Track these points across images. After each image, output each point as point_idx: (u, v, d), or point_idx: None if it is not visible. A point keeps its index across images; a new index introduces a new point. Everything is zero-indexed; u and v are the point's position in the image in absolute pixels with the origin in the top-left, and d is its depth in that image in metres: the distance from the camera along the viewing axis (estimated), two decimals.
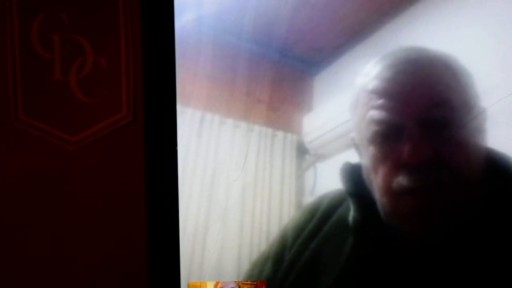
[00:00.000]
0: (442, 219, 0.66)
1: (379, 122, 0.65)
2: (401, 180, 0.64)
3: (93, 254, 0.70)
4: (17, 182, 0.70)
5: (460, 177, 0.65)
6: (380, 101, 0.66)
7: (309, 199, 0.71)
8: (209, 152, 0.72)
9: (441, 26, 0.67)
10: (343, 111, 0.70)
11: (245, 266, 0.72)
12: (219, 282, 0.72)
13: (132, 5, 0.69)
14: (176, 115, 0.72)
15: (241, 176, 0.71)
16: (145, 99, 0.71)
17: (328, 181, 0.70)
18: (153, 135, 0.72)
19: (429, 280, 0.67)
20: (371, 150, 0.67)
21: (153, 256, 0.71)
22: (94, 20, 0.69)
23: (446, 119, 0.64)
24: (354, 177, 0.69)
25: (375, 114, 0.66)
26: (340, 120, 0.70)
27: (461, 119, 0.65)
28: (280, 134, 0.72)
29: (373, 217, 0.67)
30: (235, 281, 0.72)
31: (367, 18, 0.69)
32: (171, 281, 0.72)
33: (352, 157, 0.69)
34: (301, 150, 0.72)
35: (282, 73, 0.71)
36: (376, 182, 0.67)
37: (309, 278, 0.70)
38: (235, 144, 0.72)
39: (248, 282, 0.72)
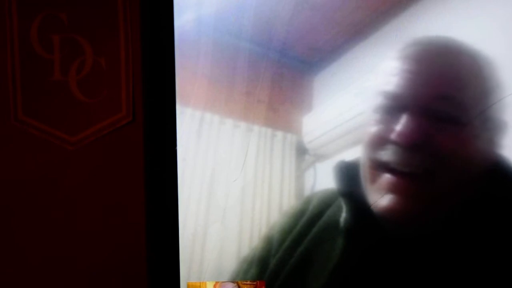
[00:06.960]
0: (418, 206, 0.67)
1: (385, 94, 0.66)
2: (383, 155, 0.66)
3: (92, 254, 0.70)
4: (17, 182, 0.70)
5: (447, 171, 0.66)
6: (394, 79, 0.67)
7: None
8: (208, 152, 0.72)
9: (441, 26, 0.67)
10: (342, 111, 0.70)
11: (245, 266, 0.72)
12: (218, 282, 0.72)
13: (132, 5, 0.69)
14: (175, 115, 0.72)
15: (240, 176, 0.71)
16: (145, 99, 0.71)
17: (327, 181, 0.70)
18: (153, 135, 0.72)
19: (423, 279, 0.67)
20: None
21: (152, 256, 0.72)
22: (94, 20, 0.69)
23: (448, 114, 0.65)
24: (348, 175, 0.69)
25: (386, 87, 0.67)
26: (339, 120, 0.70)
27: (465, 117, 0.65)
28: (279, 134, 0.72)
29: (366, 218, 0.68)
30: (235, 281, 0.72)
31: (367, 18, 0.69)
32: (170, 281, 0.73)
33: (352, 157, 0.69)
34: (301, 150, 0.72)
35: (281, 73, 0.71)
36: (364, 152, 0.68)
37: (298, 280, 0.70)
38: (234, 144, 0.72)
39: (248, 282, 0.72)
